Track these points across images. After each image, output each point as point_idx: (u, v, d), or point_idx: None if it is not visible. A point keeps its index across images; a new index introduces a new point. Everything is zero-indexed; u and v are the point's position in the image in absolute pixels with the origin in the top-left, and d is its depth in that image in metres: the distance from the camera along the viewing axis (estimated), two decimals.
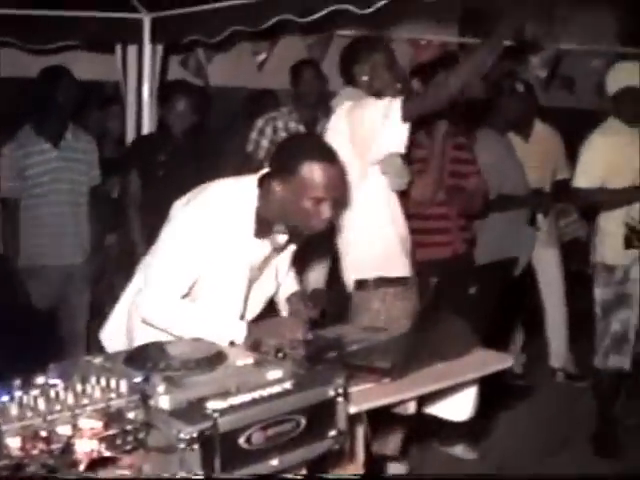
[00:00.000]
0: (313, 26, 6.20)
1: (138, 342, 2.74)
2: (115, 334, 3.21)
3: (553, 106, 8.38)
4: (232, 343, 2.77)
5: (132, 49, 5.28)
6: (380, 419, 2.74)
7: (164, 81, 5.54)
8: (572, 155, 5.87)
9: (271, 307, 3.31)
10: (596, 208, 4.77)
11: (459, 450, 4.76)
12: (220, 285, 2.99)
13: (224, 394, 2.03)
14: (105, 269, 5.52)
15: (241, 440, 1.96)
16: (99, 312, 4.62)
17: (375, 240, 3.67)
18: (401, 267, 3.73)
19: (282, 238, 3.03)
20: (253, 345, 2.76)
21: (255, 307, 3.20)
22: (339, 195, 2.95)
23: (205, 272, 2.94)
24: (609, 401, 4.98)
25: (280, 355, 2.67)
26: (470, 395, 3.05)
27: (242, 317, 3.10)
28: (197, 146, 5.21)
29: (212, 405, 1.97)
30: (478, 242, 4.95)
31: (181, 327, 2.88)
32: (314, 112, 5.33)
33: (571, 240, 6.37)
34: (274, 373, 2.19)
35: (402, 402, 2.60)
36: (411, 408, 2.63)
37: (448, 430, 4.46)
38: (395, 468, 4.23)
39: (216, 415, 1.92)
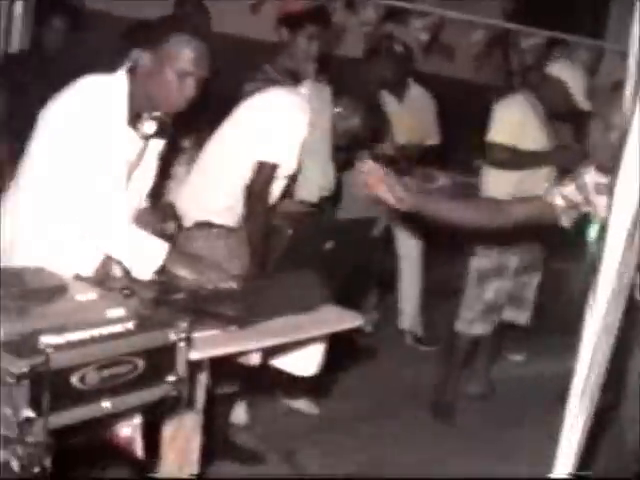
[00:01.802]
0: None
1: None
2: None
3: (432, 72, 8.54)
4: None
5: None
6: (223, 367, 2.69)
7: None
8: (444, 123, 6.01)
9: None
10: (503, 166, 4.77)
11: (301, 404, 4.76)
12: (102, 182, 2.89)
13: (60, 329, 1.93)
14: None
15: (74, 379, 1.87)
16: None
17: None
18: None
19: (149, 126, 2.96)
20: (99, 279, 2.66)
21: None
22: (203, 74, 2.94)
23: (82, 170, 2.83)
24: (458, 367, 5.06)
25: (126, 292, 2.58)
26: (317, 351, 3.02)
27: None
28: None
29: (47, 340, 1.86)
30: (343, 196, 4.97)
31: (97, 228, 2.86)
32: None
33: None
34: (116, 311, 2.10)
35: (246, 352, 2.54)
36: (255, 359, 2.57)
37: (292, 383, 4.44)
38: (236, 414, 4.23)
39: (50, 350, 1.82)
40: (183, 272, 2.88)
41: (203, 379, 2.70)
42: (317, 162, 3.75)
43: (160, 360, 2.06)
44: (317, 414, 4.77)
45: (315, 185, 3.81)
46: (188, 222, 3.71)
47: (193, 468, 2.83)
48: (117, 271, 2.83)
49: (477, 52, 6.75)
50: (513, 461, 4.23)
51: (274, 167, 3.72)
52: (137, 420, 2.28)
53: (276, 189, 3.83)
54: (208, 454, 3.10)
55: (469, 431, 4.77)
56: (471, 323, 4.91)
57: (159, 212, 3.26)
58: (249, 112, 3.86)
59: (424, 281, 6.10)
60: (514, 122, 4.70)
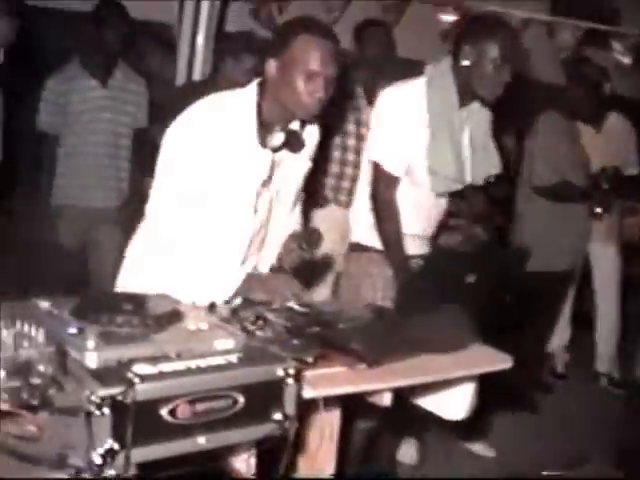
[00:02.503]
0: None
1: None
2: (124, 280, 3.04)
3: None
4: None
5: None
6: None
7: (221, 29, 5.33)
8: None
9: None
10: None
11: (477, 446, 4.53)
12: (229, 203, 2.84)
13: (158, 358, 1.85)
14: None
15: (163, 411, 1.78)
16: None
17: None
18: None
19: (278, 138, 2.85)
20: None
21: (274, 243, 3.03)
22: (332, 73, 2.80)
23: (211, 188, 2.78)
24: None
25: (260, 323, 2.49)
26: (466, 393, 2.81)
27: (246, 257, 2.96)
28: None
29: (138, 369, 1.78)
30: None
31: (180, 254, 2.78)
32: (375, 75, 5.05)
33: (638, 240, 6.05)
34: (224, 342, 2.00)
35: (377, 391, 2.38)
36: (386, 400, 2.40)
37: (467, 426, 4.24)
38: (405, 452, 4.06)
39: (136, 380, 1.73)
40: (256, 296, 2.76)
41: (336, 417, 2.56)
42: (443, 152, 3.41)
43: (265, 396, 1.93)
44: (493, 457, 4.51)
45: (442, 176, 3.44)
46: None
47: None
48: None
49: None
50: None
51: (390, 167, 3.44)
52: (251, 456, 2.17)
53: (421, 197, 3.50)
54: None
55: None
56: None
57: (300, 237, 3.11)
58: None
59: (622, 317, 5.72)
60: None
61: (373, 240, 3.47)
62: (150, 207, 2.86)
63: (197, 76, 5.12)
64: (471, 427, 4.20)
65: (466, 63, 3.34)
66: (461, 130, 3.47)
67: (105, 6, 4.80)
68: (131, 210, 4.99)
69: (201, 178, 2.76)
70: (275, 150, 2.87)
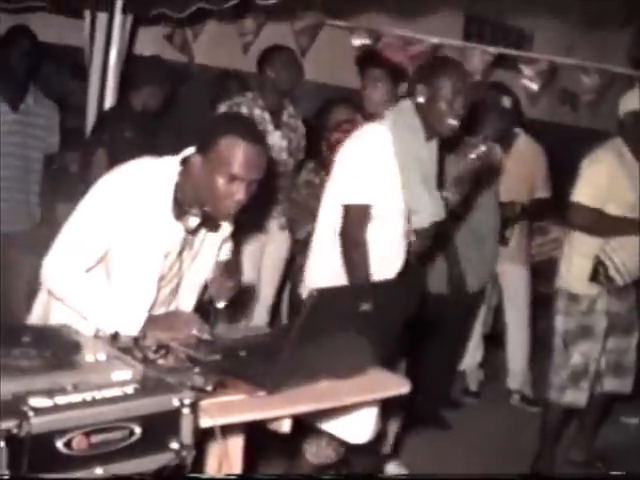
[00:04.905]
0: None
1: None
2: (35, 308, 3.05)
3: (551, 121, 8.31)
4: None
5: (102, 17, 5.06)
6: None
7: (131, 54, 5.34)
8: (557, 174, 5.76)
9: None
10: (589, 231, 4.41)
11: (391, 467, 4.57)
12: (133, 266, 2.85)
13: (55, 391, 1.86)
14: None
15: (59, 443, 1.79)
16: None
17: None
18: None
19: (193, 221, 2.86)
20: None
21: (188, 296, 3.07)
22: (255, 177, 2.79)
23: (116, 249, 2.83)
24: (554, 435, 4.74)
25: (162, 352, 2.51)
26: (368, 417, 2.86)
27: (153, 306, 2.95)
28: (161, 124, 5.05)
29: (33, 402, 1.80)
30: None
31: (77, 300, 2.81)
32: (281, 100, 5.12)
33: (546, 260, 6.18)
34: (121, 374, 2.02)
35: (277, 419, 2.41)
36: (286, 426, 2.43)
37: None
38: None
39: (31, 414, 1.75)
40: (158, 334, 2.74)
41: (238, 443, 2.59)
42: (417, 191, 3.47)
43: (161, 426, 1.95)
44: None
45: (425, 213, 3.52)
46: None
47: None
48: None
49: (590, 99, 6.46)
50: None
51: (361, 208, 3.45)
52: None
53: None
54: None
55: None
56: (562, 390, 4.56)
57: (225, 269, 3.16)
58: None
59: (533, 335, 5.85)
60: (600, 184, 4.34)
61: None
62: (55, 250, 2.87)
63: (108, 101, 5.09)
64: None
65: (421, 100, 3.42)
66: (431, 162, 3.54)
67: (14, 31, 4.79)
68: (42, 235, 4.99)
69: (110, 230, 2.80)
70: (190, 232, 2.90)
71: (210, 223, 2.92)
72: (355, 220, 3.43)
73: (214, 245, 3.05)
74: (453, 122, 3.42)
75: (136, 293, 2.87)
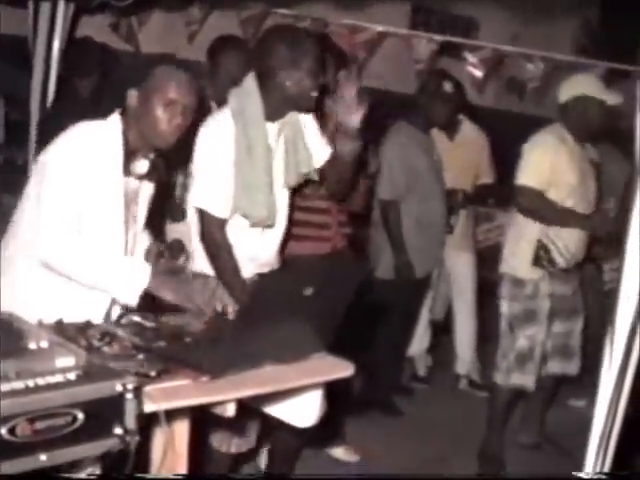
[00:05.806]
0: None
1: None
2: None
3: (498, 109, 8.40)
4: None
5: (45, 6, 5.01)
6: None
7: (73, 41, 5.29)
8: (504, 161, 5.82)
9: None
10: (536, 214, 4.44)
11: (339, 452, 4.60)
12: (100, 224, 2.93)
13: None
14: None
15: (3, 430, 1.80)
16: None
17: None
18: None
19: (142, 166, 2.98)
20: None
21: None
22: (190, 102, 2.95)
23: (84, 209, 2.88)
24: (502, 419, 4.80)
25: (106, 339, 2.52)
26: (313, 401, 2.89)
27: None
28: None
29: None
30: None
31: (81, 267, 2.88)
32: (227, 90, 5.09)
33: (492, 245, 6.25)
34: (64, 361, 2.02)
35: (221, 403, 2.43)
36: (230, 410, 2.45)
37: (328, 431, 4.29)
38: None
39: None
40: (169, 296, 2.88)
41: (184, 428, 2.61)
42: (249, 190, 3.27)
43: (105, 412, 1.96)
44: (357, 462, 4.60)
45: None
46: None
47: None
48: None
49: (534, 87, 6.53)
50: None
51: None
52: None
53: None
54: None
55: None
56: (508, 373, 4.61)
57: (168, 250, 3.21)
58: None
59: (479, 320, 5.92)
60: (543, 167, 4.39)
61: None
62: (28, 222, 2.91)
63: (51, 89, 5.05)
64: (327, 433, 4.27)
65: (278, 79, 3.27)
66: (276, 143, 3.35)
67: None
68: None
69: (73, 203, 2.85)
70: (140, 178, 2.99)
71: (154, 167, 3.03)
72: (212, 222, 3.27)
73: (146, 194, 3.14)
74: (312, 98, 3.33)
75: (107, 242, 2.95)
